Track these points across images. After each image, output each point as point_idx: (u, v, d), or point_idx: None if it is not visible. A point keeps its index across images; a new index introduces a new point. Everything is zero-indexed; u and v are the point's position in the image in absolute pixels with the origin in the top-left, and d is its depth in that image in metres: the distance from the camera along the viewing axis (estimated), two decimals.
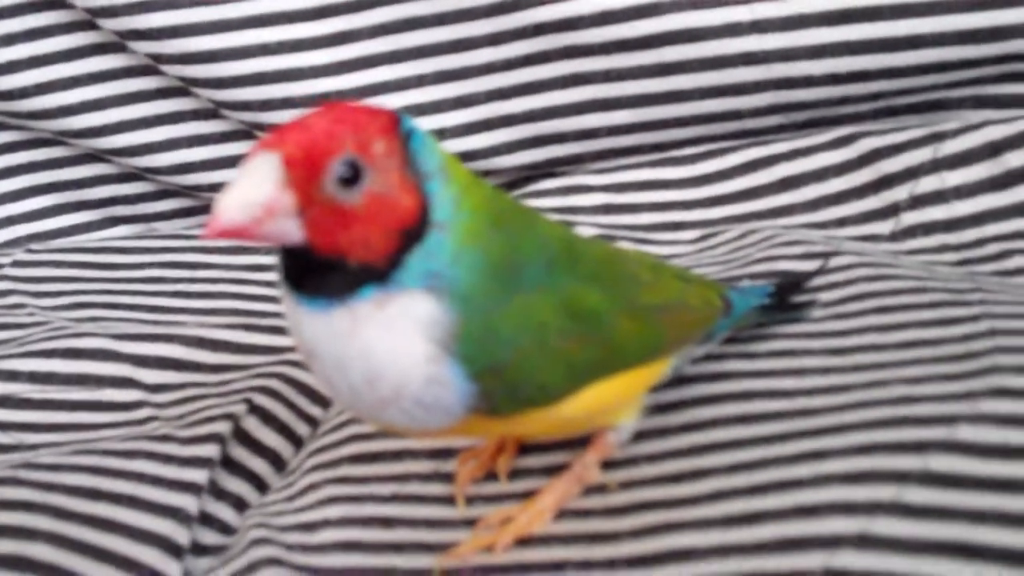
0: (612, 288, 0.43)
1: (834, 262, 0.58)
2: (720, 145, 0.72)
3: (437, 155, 0.37)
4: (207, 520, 0.56)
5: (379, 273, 0.35)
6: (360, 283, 0.35)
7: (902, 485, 0.41)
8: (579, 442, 0.48)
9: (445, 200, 0.36)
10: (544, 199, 0.74)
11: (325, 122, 0.34)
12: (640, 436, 0.48)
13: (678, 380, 0.51)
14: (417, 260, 0.36)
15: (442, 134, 0.76)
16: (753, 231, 0.65)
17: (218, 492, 0.57)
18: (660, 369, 0.47)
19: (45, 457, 0.58)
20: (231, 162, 0.83)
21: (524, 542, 0.45)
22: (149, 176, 0.86)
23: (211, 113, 0.82)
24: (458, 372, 0.37)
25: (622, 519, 0.45)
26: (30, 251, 0.84)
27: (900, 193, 0.65)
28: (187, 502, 0.54)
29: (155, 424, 0.62)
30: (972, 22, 0.63)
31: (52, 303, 0.77)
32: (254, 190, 0.33)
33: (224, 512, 0.57)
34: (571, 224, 0.70)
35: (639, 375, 0.45)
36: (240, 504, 0.57)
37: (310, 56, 0.77)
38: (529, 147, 0.76)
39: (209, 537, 0.55)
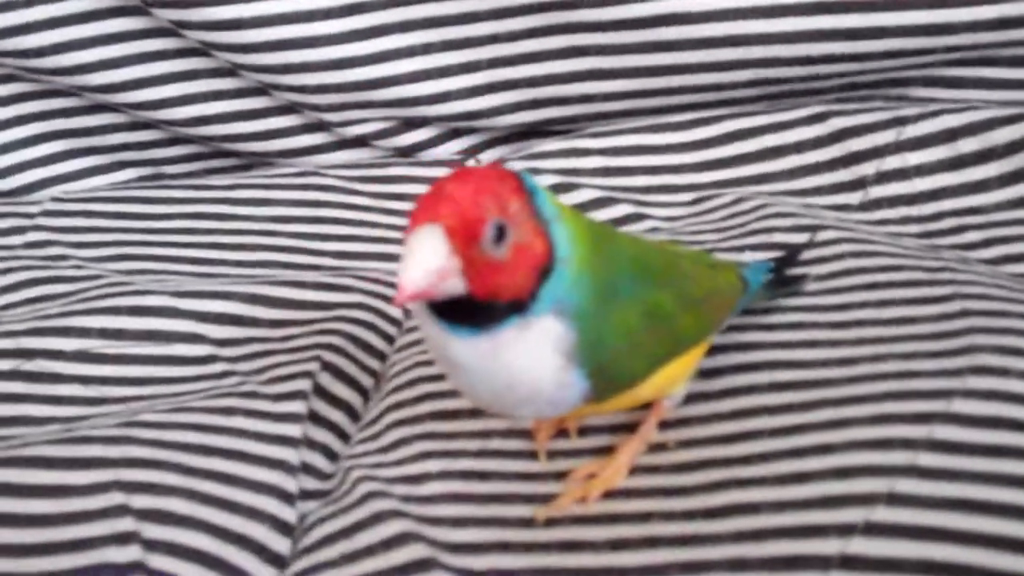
0: (675, 288, 0.53)
1: (821, 236, 0.69)
2: (707, 114, 0.82)
3: (551, 203, 0.46)
4: (305, 468, 0.65)
5: (521, 306, 0.45)
6: (505, 315, 0.45)
7: (915, 451, 0.52)
8: None
9: (563, 239, 0.46)
10: (546, 160, 0.83)
11: (469, 192, 0.42)
12: (687, 399, 0.59)
13: (712, 350, 0.62)
14: (548, 291, 0.45)
15: (447, 96, 0.84)
16: (744, 199, 0.76)
17: (309, 443, 0.66)
18: (706, 347, 0.58)
19: (148, 415, 0.66)
20: (245, 115, 0.90)
21: (610, 495, 0.56)
22: (160, 125, 0.92)
23: (228, 72, 0.89)
24: (578, 375, 0.47)
25: (689, 475, 0.56)
26: (57, 200, 0.90)
27: (867, 169, 0.76)
28: (288, 454, 0.63)
29: (234, 379, 0.71)
30: (928, 18, 0.74)
31: (94, 254, 0.84)
32: (429, 261, 0.41)
33: (317, 460, 0.66)
34: (573, 186, 0.80)
35: (693, 354, 0.56)
36: (329, 452, 0.67)
37: (325, 25, 0.83)
38: (529, 108, 0.84)
39: (309, 483, 0.64)
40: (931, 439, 0.53)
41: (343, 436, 0.68)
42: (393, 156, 0.91)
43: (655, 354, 0.52)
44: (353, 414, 0.69)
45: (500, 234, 0.42)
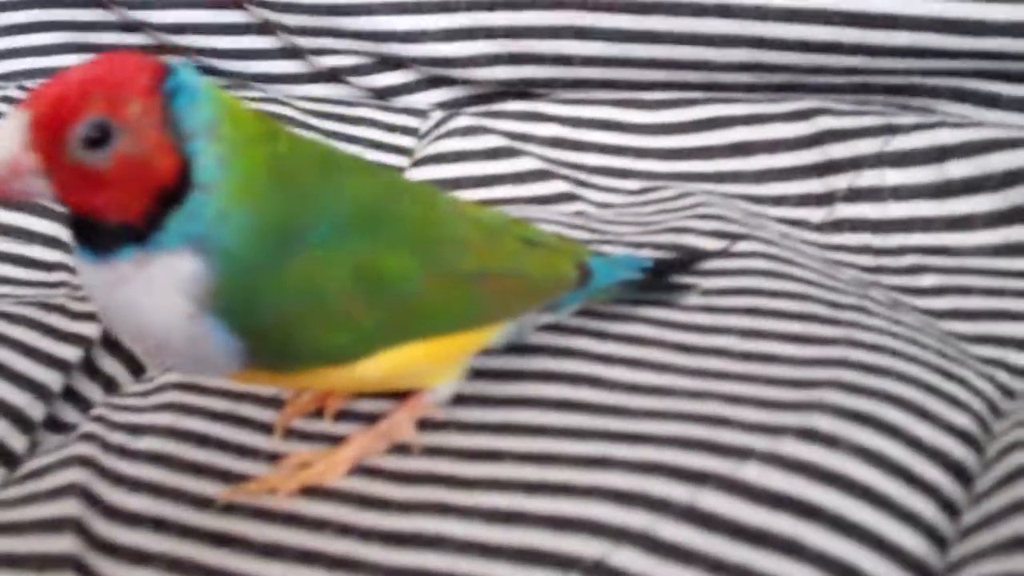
0: (424, 252, 0.42)
1: (738, 247, 0.55)
2: (687, 95, 0.69)
3: (209, 113, 0.36)
4: (74, 397, 0.57)
5: (139, 233, 0.36)
6: (121, 241, 0.36)
7: (660, 516, 0.39)
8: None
9: (210, 160, 0.36)
10: (498, 120, 0.72)
11: (79, 81, 0.34)
12: (462, 400, 0.48)
13: (520, 348, 0.50)
14: (177, 221, 0.36)
15: (421, 36, 0.74)
16: (687, 195, 0.62)
17: (93, 371, 0.58)
18: (483, 337, 0.46)
19: None
20: (223, 29, 0.82)
21: (307, 492, 0.45)
22: (147, 30, 0.85)
23: None
24: (220, 329, 0.37)
25: (403, 488, 0.44)
26: (22, 88, 0.84)
27: (840, 182, 0.61)
28: (52, 378, 0.55)
29: (64, 290, 0.63)
30: (950, 12, 0.59)
31: None
32: None
33: (93, 391, 0.57)
34: (514, 152, 0.69)
35: (452, 341, 0.44)
36: (110, 385, 0.58)
37: None
38: (506, 63, 0.73)
39: (70, 414, 0.56)
40: (691, 505, 0.40)
41: (138, 371, 0.59)
42: (368, 97, 0.81)
43: (368, 327, 0.41)
44: None
45: (100, 138, 0.34)
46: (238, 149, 0.37)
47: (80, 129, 0.34)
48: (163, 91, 0.35)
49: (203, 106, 0.36)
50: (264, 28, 0.81)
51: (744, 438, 0.42)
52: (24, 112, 0.34)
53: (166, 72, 0.36)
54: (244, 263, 0.37)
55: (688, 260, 0.55)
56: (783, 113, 0.65)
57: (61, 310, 0.59)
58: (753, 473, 0.40)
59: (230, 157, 0.36)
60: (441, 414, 0.47)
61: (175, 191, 0.35)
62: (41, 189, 0.35)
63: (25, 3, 0.88)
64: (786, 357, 0.47)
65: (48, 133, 0.34)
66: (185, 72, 0.36)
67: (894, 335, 0.48)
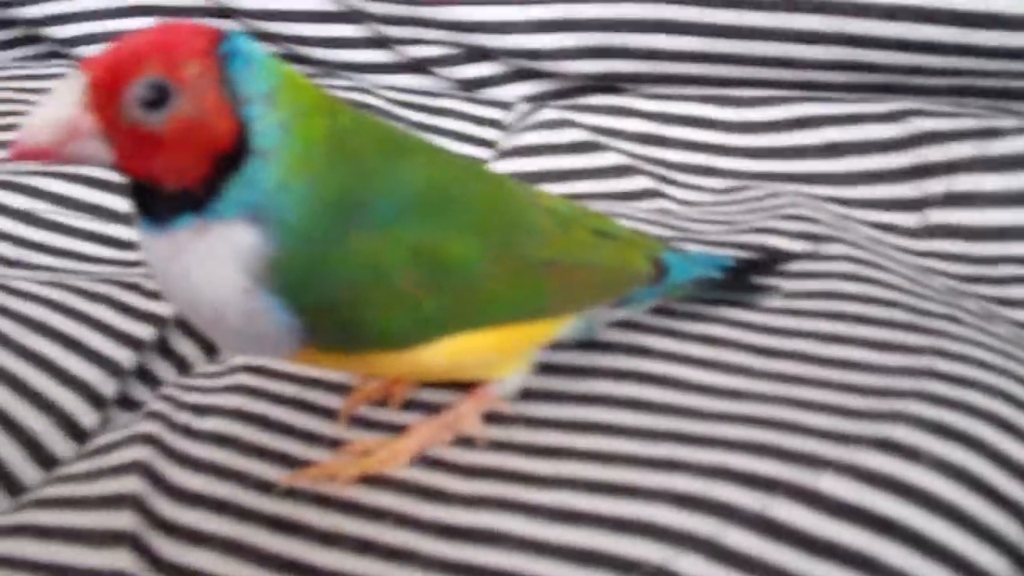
0: (491, 238, 0.41)
1: (823, 249, 0.53)
2: (777, 93, 0.67)
3: (267, 79, 0.35)
4: (146, 376, 0.57)
5: (197, 201, 0.35)
6: (180, 210, 0.35)
7: (727, 523, 0.38)
8: None
9: (269, 126, 0.35)
10: (584, 114, 0.71)
11: (136, 44, 0.34)
12: (529, 395, 0.46)
13: (591, 344, 0.48)
14: (236, 189, 0.35)
15: (509, 27, 0.73)
16: (775, 195, 0.60)
17: (166, 350, 0.58)
18: (551, 329, 0.45)
19: (20, 284, 0.59)
20: (312, 16, 0.82)
21: (368, 480, 0.44)
22: (237, 16, 0.85)
23: None
24: (277, 305, 0.36)
25: (466, 481, 0.43)
26: None
27: (935, 186, 0.59)
28: (125, 356, 0.55)
29: (139, 269, 0.63)
30: None
31: None
32: (56, 111, 0.33)
33: (166, 371, 0.57)
34: (596, 146, 0.68)
35: (518, 331, 0.43)
36: (183, 366, 0.58)
37: None
38: (594, 56, 0.72)
39: (144, 394, 0.56)
40: (760, 513, 0.38)
41: (211, 351, 0.58)
42: (454, 89, 0.80)
43: (431, 312, 0.40)
44: None
45: (157, 97, 0.34)
46: (297, 118, 0.36)
47: (137, 89, 0.33)
48: (219, 54, 0.35)
49: (260, 72, 0.35)
50: (352, 17, 0.81)
51: (819, 446, 0.40)
52: (82, 74, 0.34)
53: (222, 37, 0.35)
54: (302, 236, 0.36)
55: (770, 260, 0.53)
56: (877, 114, 0.63)
57: (136, 288, 0.59)
58: (827, 483, 0.39)
59: (289, 124, 0.36)
60: (508, 408, 0.46)
61: (233, 157, 0.35)
62: (99, 152, 0.34)
63: None
64: (868, 364, 0.45)
65: (105, 94, 0.33)
66: (241, 39, 0.36)
67: (985, 347, 0.46)
